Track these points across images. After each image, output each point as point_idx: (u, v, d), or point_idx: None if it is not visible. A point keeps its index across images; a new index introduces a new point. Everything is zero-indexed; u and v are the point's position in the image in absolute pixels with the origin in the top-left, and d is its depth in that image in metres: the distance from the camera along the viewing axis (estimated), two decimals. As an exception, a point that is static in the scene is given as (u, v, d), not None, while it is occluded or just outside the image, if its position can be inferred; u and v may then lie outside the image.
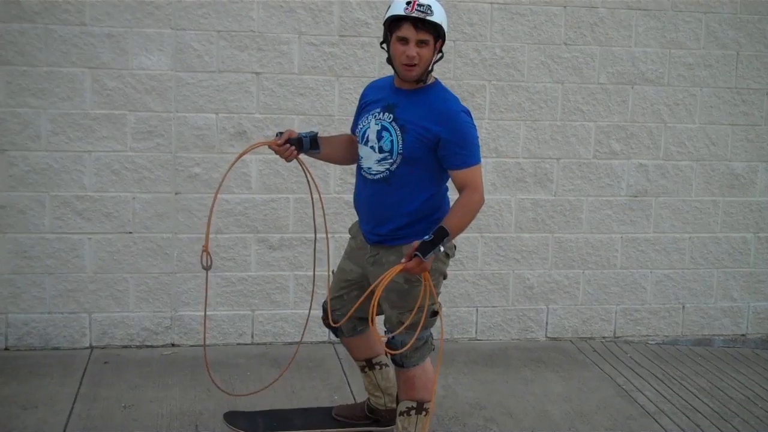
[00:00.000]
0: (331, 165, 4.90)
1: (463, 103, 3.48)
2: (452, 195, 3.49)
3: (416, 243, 3.23)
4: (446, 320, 5.15)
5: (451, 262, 3.62)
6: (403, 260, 3.24)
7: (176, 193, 4.83)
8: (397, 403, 3.66)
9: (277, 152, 3.57)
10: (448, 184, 3.50)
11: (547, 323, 5.39)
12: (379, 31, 3.66)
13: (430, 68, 3.36)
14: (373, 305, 3.26)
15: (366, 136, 3.46)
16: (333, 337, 4.82)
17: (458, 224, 3.29)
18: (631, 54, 5.23)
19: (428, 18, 3.24)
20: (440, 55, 3.41)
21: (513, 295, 5.32)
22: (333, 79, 4.92)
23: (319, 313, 3.87)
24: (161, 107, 4.75)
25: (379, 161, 3.41)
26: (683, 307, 5.55)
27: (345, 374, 4.65)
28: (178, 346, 4.94)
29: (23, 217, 4.68)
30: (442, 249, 3.24)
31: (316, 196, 3.81)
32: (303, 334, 4.30)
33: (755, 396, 4.78)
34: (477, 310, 5.29)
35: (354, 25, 4.89)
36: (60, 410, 4.06)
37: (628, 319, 5.48)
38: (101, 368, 4.61)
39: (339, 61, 4.91)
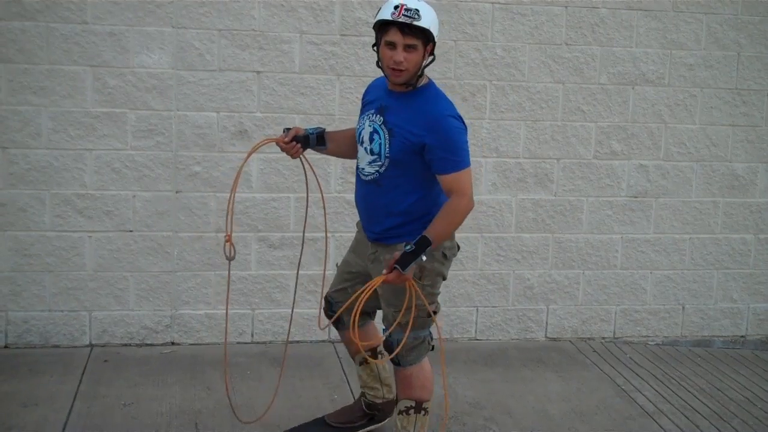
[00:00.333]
0: (332, 164, 4.91)
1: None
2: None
3: (397, 254, 3.26)
4: (446, 320, 5.15)
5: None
6: (384, 271, 3.29)
7: (177, 192, 4.84)
8: (396, 403, 3.66)
9: (283, 149, 3.58)
10: None
11: (546, 323, 5.39)
12: (381, 31, 3.66)
13: (420, 72, 3.33)
14: (356, 313, 3.31)
15: (361, 136, 3.47)
16: (333, 336, 4.83)
17: (441, 231, 3.29)
18: (632, 54, 5.23)
19: (415, 23, 3.20)
20: (432, 57, 3.37)
21: (513, 295, 5.32)
22: (334, 79, 4.93)
23: (317, 314, 3.87)
24: (162, 106, 4.75)
25: (370, 163, 3.43)
26: (683, 307, 5.55)
27: (345, 373, 4.65)
28: (178, 344, 4.94)
29: (23, 215, 4.69)
30: (424, 258, 3.26)
31: (318, 194, 3.81)
32: (290, 330, 4.30)
33: (754, 397, 4.78)
34: (477, 309, 5.30)
35: (355, 25, 4.89)
36: (60, 408, 4.07)
37: (628, 319, 5.48)
38: (101, 366, 4.61)
39: (340, 61, 4.91)
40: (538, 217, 5.27)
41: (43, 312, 4.79)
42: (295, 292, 4.19)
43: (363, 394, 3.95)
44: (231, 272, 4.92)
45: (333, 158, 4.81)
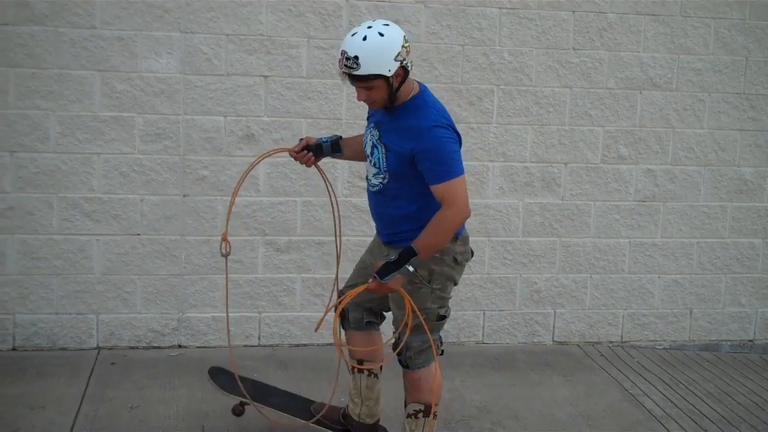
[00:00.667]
0: (339, 169, 4.93)
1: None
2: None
3: (379, 263, 3.32)
4: (453, 323, 5.15)
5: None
6: (369, 280, 3.35)
7: (184, 196, 4.85)
8: (405, 406, 3.66)
9: (295, 159, 3.65)
10: None
11: (554, 327, 5.39)
12: (388, 34, 3.65)
13: (394, 96, 3.29)
14: (337, 313, 3.42)
15: (366, 150, 3.52)
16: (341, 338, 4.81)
17: (429, 242, 3.29)
18: (640, 59, 5.23)
19: (353, 73, 3.20)
20: (405, 75, 3.27)
21: (520, 299, 5.32)
22: (341, 83, 4.92)
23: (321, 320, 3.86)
24: (170, 110, 4.77)
25: (374, 175, 3.49)
26: (691, 312, 5.54)
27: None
28: (185, 347, 4.95)
29: (31, 218, 4.70)
30: (411, 268, 3.27)
31: (333, 200, 3.81)
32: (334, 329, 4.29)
33: (763, 402, 4.77)
34: (484, 313, 5.29)
35: (362, 29, 4.89)
36: (67, 411, 4.08)
37: (636, 323, 5.47)
38: (108, 369, 4.62)
39: (347, 65, 4.91)
40: (546, 221, 5.27)
41: (50, 315, 4.80)
42: (333, 290, 4.11)
43: (348, 404, 3.89)
44: (238, 276, 4.95)
45: (341, 163, 4.83)
